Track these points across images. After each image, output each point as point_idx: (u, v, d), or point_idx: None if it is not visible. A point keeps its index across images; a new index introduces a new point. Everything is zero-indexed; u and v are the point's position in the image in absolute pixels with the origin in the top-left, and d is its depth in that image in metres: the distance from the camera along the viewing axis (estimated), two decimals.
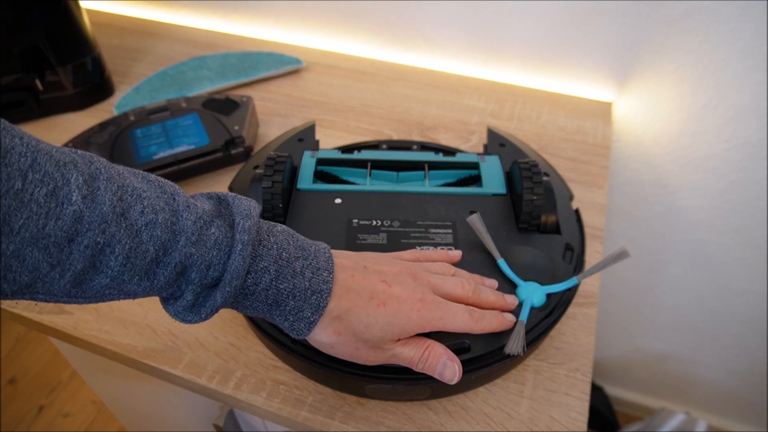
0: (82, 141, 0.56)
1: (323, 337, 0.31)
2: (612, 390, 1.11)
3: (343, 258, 0.33)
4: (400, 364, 0.34)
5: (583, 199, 0.57)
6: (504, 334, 0.37)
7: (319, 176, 0.50)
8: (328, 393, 0.40)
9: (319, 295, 0.30)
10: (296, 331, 0.31)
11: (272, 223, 0.32)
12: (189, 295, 0.28)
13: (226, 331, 0.45)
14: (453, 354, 0.34)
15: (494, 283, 0.39)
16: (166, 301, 0.29)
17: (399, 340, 0.33)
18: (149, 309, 0.46)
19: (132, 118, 0.58)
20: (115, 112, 0.67)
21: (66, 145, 0.56)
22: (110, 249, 0.25)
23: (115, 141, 0.55)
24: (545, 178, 0.44)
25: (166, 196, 0.27)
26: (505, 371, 0.41)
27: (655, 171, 0.73)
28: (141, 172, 0.28)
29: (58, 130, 0.65)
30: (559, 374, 0.42)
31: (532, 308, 0.38)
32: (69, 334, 0.45)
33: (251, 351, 0.43)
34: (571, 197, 0.48)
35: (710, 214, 0.75)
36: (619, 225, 0.82)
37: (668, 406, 1.05)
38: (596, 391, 1.09)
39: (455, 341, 0.36)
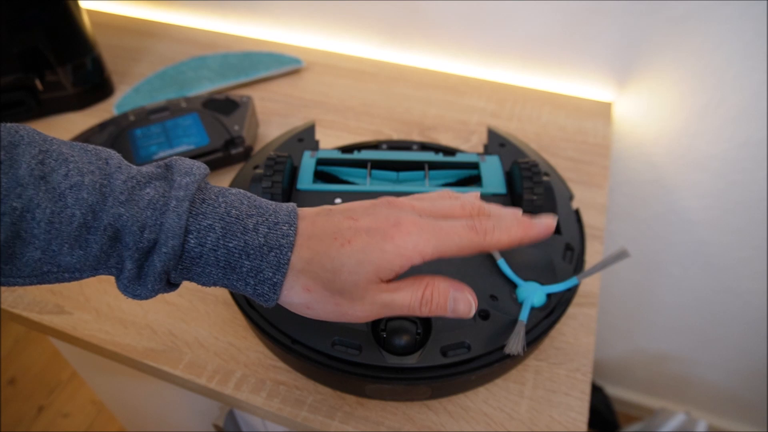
0: (82, 141, 0.56)
1: (293, 297, 0.27)
2: (612, 390, 1.11)
3: (306, 209, 0.29)
4: (398, 315, 0.29)
5: (583, 199, 0.57)
6: (504, 334, 0.37)
7: (319, 176, 0.50)
8: (328, 393, 0.40)
9: (278, 251, 0.27)
10: (263, 297, 0.27)
11: (227, 187, 0.29)
12: (129, 263, 0.26)
13: (226, 331, 0.45)
14: (461, 284, 0.29)
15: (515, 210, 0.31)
16: (117, 279, 0.27)
17: (386, 282, 0.27)
18: (149, 309, 0.46)
19: (132, 118, 0.58)
20: (115, 112, 0.67)
21: None
22: (30, 214, 0.23)
23: (115, 141, 0.55)
24: (545, 178, 0.44)
25: (99, 162, 0.26)
26: (506, 371, 0.41)
27: (655, 171, 0.73)
28: (80, 143, 0.27)
29: (58, 130, 0.65)
30: (559, 374, 0.42)
31: (533, 308, 0.38)
32: (69, 334, 0.45)
33: (251, 351, 0.43)
34: (571, 197, 0.48)
35: (710, 215, 0.75)
36: (619, 225, 0.82)
37: (668, 406, 1.05)
38: (596, 391, 1.09)
39: (454, 341, 0.36)
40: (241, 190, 0.29)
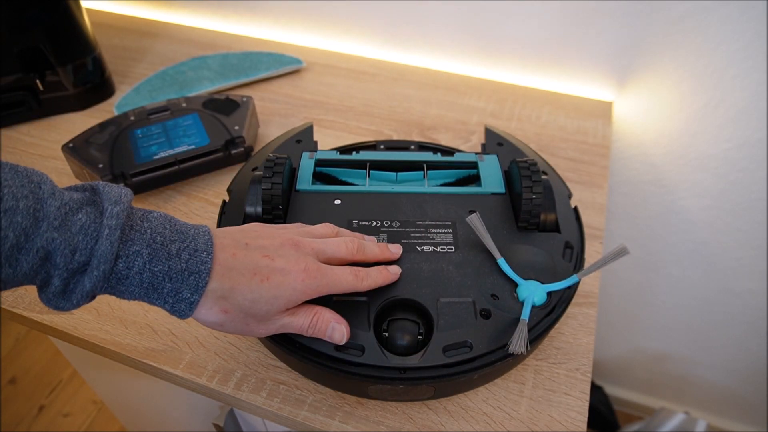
0: (82, 141, 0.56)
1: (210, 316, 0.32)
2: (612, 390, 1.11)
3: (223, 237, 0.33)
4: (291, 332, 0.35)
5: (582, 199, 0.57)
6: (506, 333, 0.37)
7: (318, 177, 0.50)
8: (328, 393, 0.40)
9: (197, 276, 0.30)
10: (179, 312, 0.31)
11: (149, 210, 0.32)
12: (56, 280, 0.28)
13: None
14: (340, 317, 0.36)
15: (374, 239, 0.42)
16: (39, 290, 0.29)
17: (288, 310, 0.34)
18: (149, 309, 0.46)
19: (132, 118, 0.58)
20: (115, 112, 0.67)
21: (66, 145, 0.56)
22: None
23: (115, 141, 0.55)
24: (544, 177, 0.44)
25: (32, 185, 0.27)
26: (507, 370, 0.41)
27: (655, 171, 0.74)
28: (10, 163, 0.28)
29: (58, 130, 0.65)
30: (558, 374, 0.42)
31: (534, 307, 0.38)
32: (69, 334, 0.45)
33: (251, 351, 0.43)
34: (569, 195, 0.48)
35: (710, 214, 0.75)
36: (619, 225, 0.82)
37: (668, 406, 1.05)
38: (596, 391, 1.09)
39: (456, 340, 0.37)
40: (163, 213, 0.32)
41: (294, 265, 0.33)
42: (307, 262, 0.34)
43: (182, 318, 0.32)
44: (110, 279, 0.29)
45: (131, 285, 0.30)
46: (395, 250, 0.41)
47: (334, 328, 0.35)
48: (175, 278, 0.30)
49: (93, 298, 0.30)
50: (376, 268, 0.38)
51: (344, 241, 0.37)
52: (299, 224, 0.40)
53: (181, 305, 0.31)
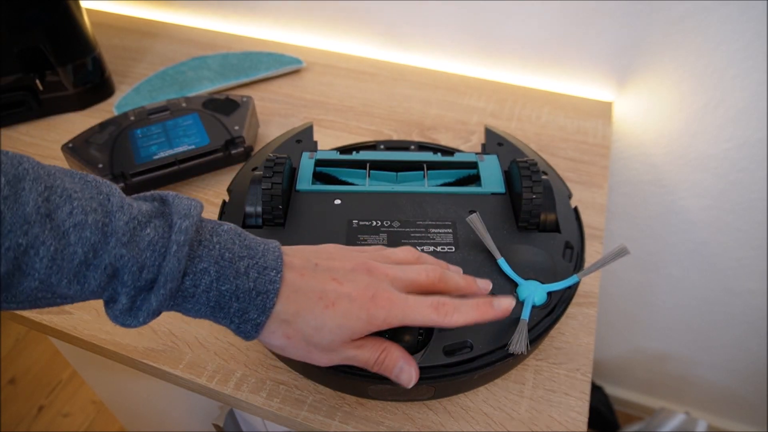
0: (82, 141, 0.56)
1: (273, 339, 0.30)
2: (612, 390, 1.11)
3: (293, 256, 0.32)
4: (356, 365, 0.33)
5: (582, 199, 0.57)
6: (506, 333, 0.37)
7: (318, 177, 0.50)
8: (328, 393, 0.40)
9: (264, 296, 0.29)
10: (244, 334, 0.30)
11: (219, 222, 0.31)
12: (123, 298, 0.27)
13: (226, 331, 0.45)
14: (410, 356, 0.33)
15: (459, 269, 0.38)
16: (106, 305, 0.28)
17: (353, 341, 0.31)
18: None
19: (132, 118, 0.58)
20: (115, 112, 0.67)
21: (66, 145, 0.56)
22: (34, 251, 0.24)
23: (115, 141, 0.55)
24: (544, 177, 0.44)
25: (101, 197, 0.27)
26: (507, 370, 0.41)
27: (655, 171, 0.74)
28: (79, 173, 0.27)
29: (58, 130, 0.65)
30: (559, 374, 0.42)
31: (534, 307, 0.38)
32: (69, 334, 0.45)
33: (251, 351, 0.43)
34: (569, 195, 0.48)
35: (710, 214, 0.75)
36: (619, 225, 0.82)
37: (668, 406, 1.05)
38: (596, 391, 1.09)
39: (456, 340, 0.37)
40: (233, 226, 0.31)
41: (363, 292, 0.31)
42: (377, 289, 0.31)
43: (248, 339, 0.30)
44: (176, 297, 0.28)
45: (197, 303, 0.29)
46: (483, 285, 0.36)
47: (402, 369, 0.32)
48: (242, 298, 0.29)
49: (159, 314, 0.29)
50: (472, 300, 0.33)
51: (425, 269, 0.34)
52: (379, 247, 0.37)
53: (247, 326, 0.29)
